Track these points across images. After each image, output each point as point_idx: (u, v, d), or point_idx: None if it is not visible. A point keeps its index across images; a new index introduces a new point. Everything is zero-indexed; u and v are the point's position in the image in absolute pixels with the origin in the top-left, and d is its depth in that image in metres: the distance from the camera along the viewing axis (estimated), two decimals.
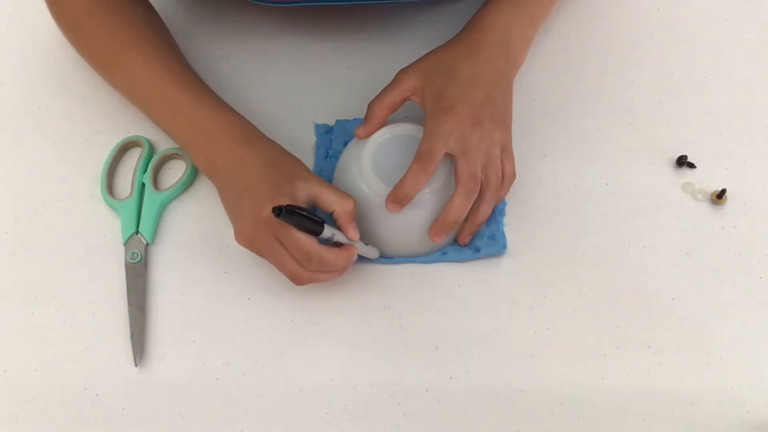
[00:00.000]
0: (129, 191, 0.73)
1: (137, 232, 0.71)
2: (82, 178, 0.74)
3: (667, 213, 0.72)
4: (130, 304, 0.68)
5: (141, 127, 0.76)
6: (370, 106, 0.69)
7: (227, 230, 0.71)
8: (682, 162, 0.74)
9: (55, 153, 0.76)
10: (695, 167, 0.74)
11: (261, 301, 0.68)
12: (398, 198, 0.65)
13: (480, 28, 0.72)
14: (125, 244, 0.70)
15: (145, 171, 0.74)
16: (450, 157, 0.66)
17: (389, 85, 0.70)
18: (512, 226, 0.71)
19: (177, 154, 0.75)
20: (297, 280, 0.65)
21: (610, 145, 0.75)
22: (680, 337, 0.67)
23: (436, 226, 0.67)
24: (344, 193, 0.65)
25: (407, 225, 0.68)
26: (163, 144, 0.76)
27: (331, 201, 0.65)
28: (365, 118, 0.69)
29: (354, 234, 0.65)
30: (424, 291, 0.69)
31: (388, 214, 0.66)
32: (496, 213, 0.71)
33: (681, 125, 0.76)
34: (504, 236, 0.70)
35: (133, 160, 0.75)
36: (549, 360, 0.66)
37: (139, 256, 0.70)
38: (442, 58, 0.70)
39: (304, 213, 0.62)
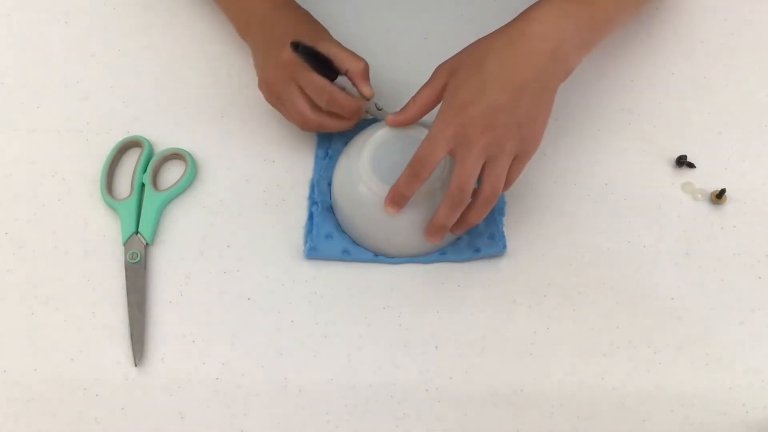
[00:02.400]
0: (129, 191, 0.73)
1: (137, 232, 0.71)
2: (81, 178, 0.74)
3: (666, 213, 0.72)
4: (129, 304, 0.68)
5: (141, 127, 0.76)
6: (411, 100, 0.66)
7: (227, 230, 0.71)
8: (682, 162, 0.74)
9: (55, 153, 0.76)
10: (695, 167, 0.74)
11: (261, 301, 0.68)
12: (394, 200, 0.64)
13: (525, 19, 0.64)
14: (125, 244, 0.70)
15: (144, 171, 0.74)
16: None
17: (427, 81, 0.65)
18: (512, 226, 0.71)
19: (177, 154, 0.75)
20: (305, 122, 0.70)
21: (610, 145, 0.75)
22: (680, 337, 0.67)
23: (427, 229, 0.66)
24: (357, 55, 0.69)
25: (407, 225, 0.68)
26: (163, 144, 0.76)
27: (344, 60, 0.68)
28: (402, 108, 0.66)
29: (367, 89, 0.69)
30: (424, 291, 0.69)
31: (388, 215, 0.66)
32: (496, 213, 0.71)
33: (681, 125, 0.76)
34: (504, 236, 0.70)
35: (132, 160, 0.75)
36: (549, 360, 0.66)
37: (139, 256, 0.70)
38: (476, 49, 0.63)
39: (321, 55, 0.67)
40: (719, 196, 0.72)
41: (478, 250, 0.69)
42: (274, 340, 0.67)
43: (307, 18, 0.74)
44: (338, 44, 0.70)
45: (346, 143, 0.74)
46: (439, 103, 0.64)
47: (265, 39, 0.72)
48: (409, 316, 0.68)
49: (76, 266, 0.70)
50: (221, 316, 0.68)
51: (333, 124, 0.70)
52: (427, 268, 0.70)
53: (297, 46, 0.66)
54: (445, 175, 0.67)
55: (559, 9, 0.64)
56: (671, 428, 0.64)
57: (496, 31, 0.65)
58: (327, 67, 0.68)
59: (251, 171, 0.74)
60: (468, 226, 0.66)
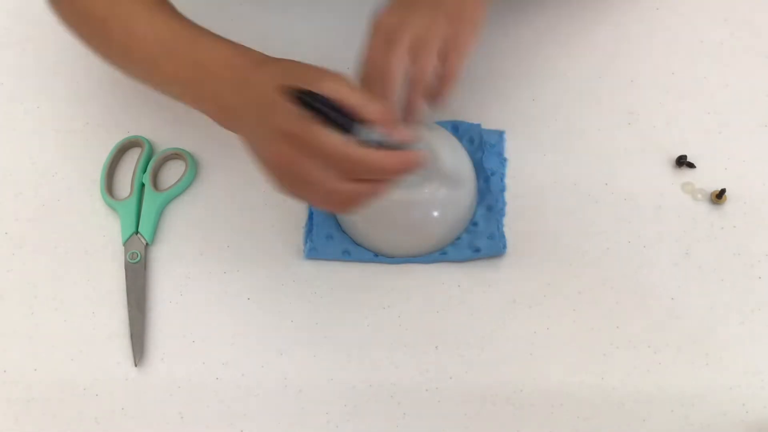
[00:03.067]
0: (129, 191, 0.73)
1: (137, 232, 0.71)
2: (81, 178, 0.74)
3: (666, 213, 0.72)
4: (129, 304, 0.68)
5: (141, 127, 0.76)
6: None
7: (227, 230, 0.71)
8: (682, 162, 0.74)
9: (55, 153, 0.76)
10: (695, 167, 0.74)
11: (261, 301, 0.68)
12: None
13: None
14: (125, 244, 0.70)
15: (144, 171, 0.74)
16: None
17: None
18: (512, 226, 0.71)
19: (177, 154, 0.75)
20: (338, 200, 0.53)
21: (610, 145, 0.75)
22: (680, 337, 0.67)
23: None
24: (370, 95, 0.55)
25: (407, 225, 0.68)
26: (163, 144, 0.76)
27: (358, 107, 0.52)
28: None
29: (403, 134, 0.53)
30: (424, 291, 0.69)
31: (387, 215, 0.66)
32: (496, 213, 0.71)
33: (681, 125, 0.76)
34: (504, 236, 0.70)
35: (132, 160, 0.75)
36: (549, 360, 0.66)
37: (139, 256, 0.70)
38: None
39: (326, 101, 0.49)
40: (719, 196, 0.72)
41: (478, 250, 0.69)
42: (274, 340, 0.67)
43: (295, 63, 0.58)
44: (345, 81, 0.53)
45: None
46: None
47: (253, 108, 0.55)
48: (409, 316, 0.68)
49: (76, 266, 0.70)
50: (221, 316, 0.68)
51: (373, 190, 0.54)
52: (427, 268, 0.70)
53: (296, 94, 0.49)
54: (443, 175, 0.67)
55: None
56: (671, 428, 0.64)
57: None
58: (340, 114, 0.51)
59: (251, 171, 0.74)
60: (419, 86, 0.61)
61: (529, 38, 0.81)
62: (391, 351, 0.66)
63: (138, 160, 0.74)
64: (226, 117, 0.59)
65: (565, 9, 0.83)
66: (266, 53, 0.83)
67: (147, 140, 0.75)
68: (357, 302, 0.68)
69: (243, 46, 0.61)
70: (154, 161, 0.74)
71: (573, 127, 0.76)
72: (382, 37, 0.60)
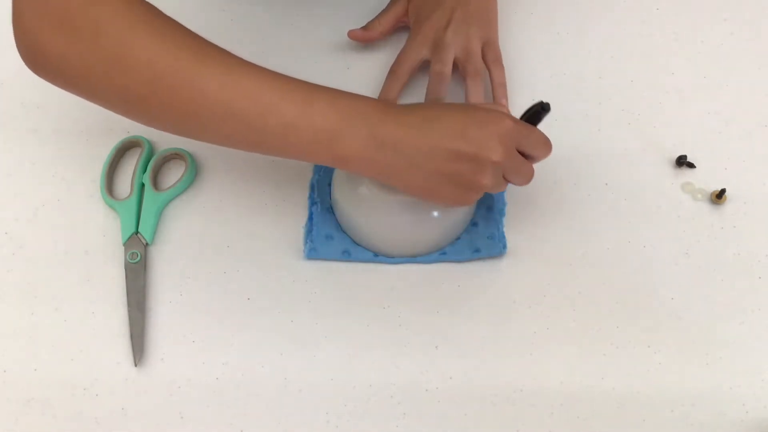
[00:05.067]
0: (129, 191, 0.73)
1: (137, 232, 0.71)
2: (81, 178, 0.74)
3: (666, 213, 0.72)
4: (129, 304, 0.68)
5: (141, 127, 0.76)
6: (369, 23, 0.79)
7: (227, 230, 0.71)
8: (682, 162, 0.74)
9: (55, 153, 0.76)
10: (695, 167, 0.74)
11: (261, 301, 0.68)
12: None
13: None
14: (125, 244, 0.70)
15: (144, 171, 0.74)
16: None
17: (387, 7, 0.79)
18: (512, 226, 0.71)
19: (177, 154, 0.75)
20: (533, 176, 0.64)
21: (610, 145, 0.75)
22: (680, 337, 0.67)
23: None
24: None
25: (407, 225, 0.68)
26: (163, 144, 0.76)
27: (503, 107, 0.71)
28: (368, 25, 0.79)
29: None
30: (424, 291, 0.69)
31: (387, 215, 0.66)
32: (496, 213, 0.71)
33: (681, 125, 0.76)
34: (504, 236, 0.70)
35: (132, 160, 0.75)
36: (549, 360, 0.66)
37: (139, 256, 0.70)
38: None
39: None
40: (719, 196, 0.72)
41: (478, 250, 0.69)
42: (274, 340, 0.67)
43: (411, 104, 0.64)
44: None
45: None
46: (398, 25, 0.79)
47: (435, 137, 0.58)
48: (409, 316, 0.68)
49: (76, 266, 0.70)
50: (221, 316, 0.68)
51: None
52: (427, 268, 0.70)
53: (546, 106, 0.62)
54: None
55: None
56: (671, 428, 0.64)
57: None
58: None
59: (251, 171, 0.74)
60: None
61: (529, 38, 0.82)
62: (391, 351, 0.66)
63: (138, 160, 0.74)
64: (379, 149, 0.58)
65: (564, 8, 0.83)
66: (266, 54, 0.83)
67: (147, 140, 0.75)
68: (357, 302, 0.68)
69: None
70: (154, 161, 0.74)
71: (573, 128, 0.76)
72: (422, 44, 0.76)
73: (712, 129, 0.76)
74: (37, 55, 0.59)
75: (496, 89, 0.76)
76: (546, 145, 0.63)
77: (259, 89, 0.57)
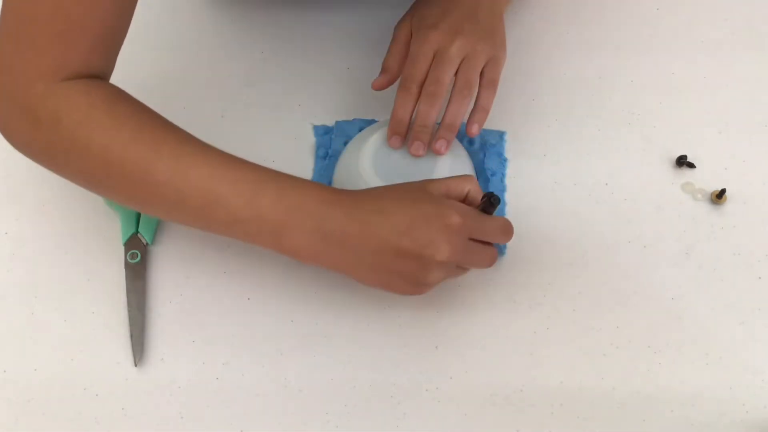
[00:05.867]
0: None
1: (137, 232, 0.71)
2: None
3: (667, 213, 0.72)
4: (129, 304, 0.68)
5: None
6: (384, 62, 0.72)
7: None
8: (682, 162, 0.74)
9: None
10: (695, 167, 0.74)
11: (261, 301, 0.68)
12: (395, 129, 0.68)
13: None
14: (125, 244, 0.70)
15: None
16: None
17: (392, 39, 0.72)
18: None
19: None
20: (495, 260, 0.63)
21: (610, 145, 0.75)
22: (680, 337, 0.67)
23: (412, 131, 0.68)
24: (460, 176, 0.63)
25: None
26: None
27: (462, 185, 0.61)
28: (382, 70, 0.72)
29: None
30: None
31: None
32: (496, 213, 0.71)
33: (681, 125, 0.76)
34: None
35: None
36: (549, 360, 0.66)
37: (139, 256, 0.70)
38: None
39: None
40: (719, 196, 0.72)
41: None
42: (274, 340, 0.67)
43: (370, 189, 0.63)
44: (436, 178, 0.63)
45: (345, 143, 0.74)
46: (407, 36, 0.71)
47: (385, 232, 0.58)
48: (409, 316, 0.68)
49: (77, 266, 0.70)
50: (221, 316, 0.68)
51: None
52: None
53: (494, 198, 0.60)
54: (446, 169, 0.67)
55: None
56: (671, 428, 0.64)
57: None
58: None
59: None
60: (450, 131, 0.68)
61: (529, 38, 0.81)
62: (391, 351, 0.66)
63: None
64: (326, 243, 0.59)
65: (564, 9, 0.83)
66: (267, 54, 0.83)
67: None
68: (357, 302, 0.68)
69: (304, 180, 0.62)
70: None
71: (573, 127, 0.76)
72: (429, 53, 0.68)
73: (712, 129, 0.76)
74: (7, 136, 0.64)
75: (476, 112, 0.69)
76: (504, 232, 0.62)
77: (207, 181, 0.59)
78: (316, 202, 0.59)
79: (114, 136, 0.59)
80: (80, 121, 0.59)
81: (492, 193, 0.61)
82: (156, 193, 0.60)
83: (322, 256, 0.60)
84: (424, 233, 0.57)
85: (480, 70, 0.69)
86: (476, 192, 0.62)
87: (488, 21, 0.71)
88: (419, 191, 0.60)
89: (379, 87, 0.72)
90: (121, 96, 0.63)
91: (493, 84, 0.70)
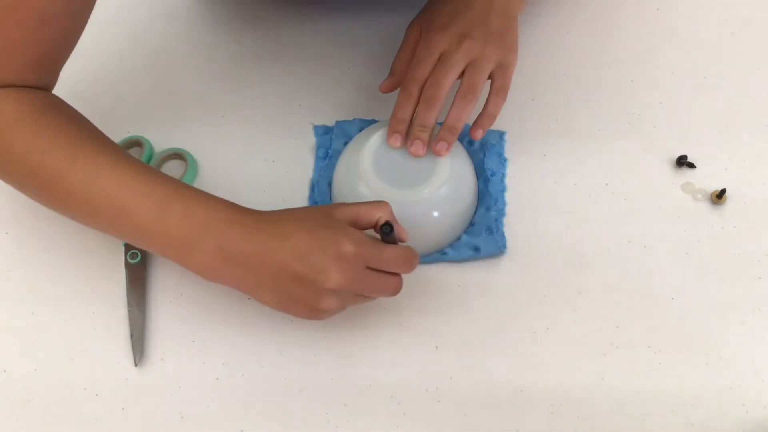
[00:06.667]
0: None
1: None
2: None
3: (667, 213, 0.72)
4: (129, 304, 0.68)
5: (141, 127, 0.76)
6: (392, 64, 0.72)
7: None
8: (682, 162, 0.74)
9: None
10: (695, 167, 0.74)
11: None
12: (395, 128, 0.67)
13: None
14: (125, 244, 0.70)
15: None
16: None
17: (402, 41, 0.72)
18: (512, 226, 0.71)
19: (177, 153, 0.75)
20: (399, 289, 0.62)
21: (610, 145, 0.75)
22: (680, 337, 0.67)
23: (411, 131, 0.68)
24: (372, 202, 0.63)
25: (407, 225, 0.67)
26: (163, 144, 0.76)
27: (372, 211, 0.61)
28: (390, 72, 0.72)
29: (405, 234, 0.63)
30: (424, 291, 0.69)
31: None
32: (496, 213, 0.71)
33: (681, 125, 0.76)
34: (504, 236, 0.70)
35: None
36: (549, 360, 0.66)
37: (139, 256, 0.70)
38: None
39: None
40: (719, 196, 0.72)
41: (477, 250, 0.69)
42: (274, 340, 0.67)
43: (280, 210, 0.62)
44: (346, 203, 0.62)
45: (345, 143, 0.74)
46: (416, 41, 0.71)
47: (282, 257, 0.58)
48: (409, 316, 0.68)
49: (77, 266, 0.70)
50: (221, 316, 0.68)
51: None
52: (427, 268, 0.70)
53: (390, 228, 0.59)
54: (445, 175, 0.67)
55: None
56: (671, 428, 0.64)
57: None
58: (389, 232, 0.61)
59: (251, 171, 0.74)
60: (451, 129, 0.68)
61: (528, 38, 0.81)
62: (391, 351, 0.66)
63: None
64: (226, 267, 0.59)
65: (564, 9, 0.83)
66: (267, 54, 0.83)
67: (147, 140, 0.75)
68: None
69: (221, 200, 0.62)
70: (155, 161, 0.74)
71: (573, 127, 0.76)
72: (435, 55, 0.68)
73: (712, 129, 0.76)
74: None
75: (483, 118, 0.69)
76: (405, 262, 0.61)
77: (118, 193, 0.60)
78: (221, 222, 0.59)
79: (33, 143, 0.61)
80: (3, 128, 0.62)
81: (387, 222, 0.60)
82: (70, 200, 0.62)
83: (225, 275, 0.60)
84: (319, 260, 0.57)
85: (486, 75, 0.68)
86: (388, 218, 0.61)
87: (499, 24, 0.69)
88: (323, 216, 0.60)
89: (386, 90, 0.72)
90: (52, 105, 0.65)
91: (504, 91, 0.69)
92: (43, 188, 0.63)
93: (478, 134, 0.69)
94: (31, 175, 0.62)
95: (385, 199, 0.65)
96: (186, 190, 0.61)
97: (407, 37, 0.71)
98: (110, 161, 0.61)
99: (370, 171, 0.67)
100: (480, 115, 0.69)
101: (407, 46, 0.71)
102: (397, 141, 0.68)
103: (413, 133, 0.67)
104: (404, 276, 0.69)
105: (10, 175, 0.65)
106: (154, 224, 0.59)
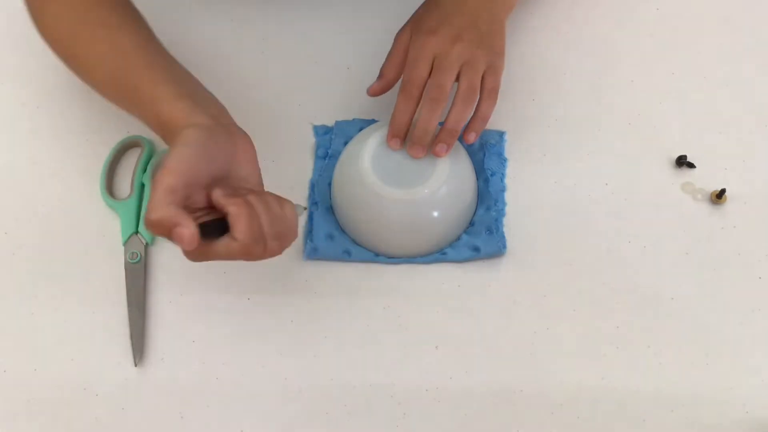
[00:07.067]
0: (129, 191, 0.73)
1: (137, 232, 0.71)
2: (81, 178, 0.74)
3: (667, 213, 0.72)
4: (129, 304, 0.68)
5: (141, 127, 0.76)
6: (382, 68, 0.72)
7: None
8: (682, 162, 0.74)
9: (55, 153, 0.76)
10: (695, 167, 0.74)
11: (261, 301, 0.68)
12: (395, 131, 0.67)
13: None
14: (125, 244, 0.70)
15: (144, 171, 0.74)
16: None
17: (392, 45, 0.72)
18: (512, 226, 0.71)
19: None
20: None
21: (610, 145, 0.75)
22: (680, 337, 0.67)
23: (411, 136, 0.68)
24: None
25: (407, 225, 0.68)
26: (163, 144, 0.76)
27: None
28: (379, 76, 0.72)
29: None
30: (424, 291, 0.69)
31: (387, 215, 0.66)
32: (496, 213, 0.71)
33: (681, 125, 0.76)
34: (503, 236, 0.70)
35: (132, 160, 0.75)
36: (549, 360, 0.66)
37: (139, 256, 0.70)
38: (427, 1, 0.72)
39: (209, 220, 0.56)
40: (719, 196, 0.72)
41: (477, 250, 0.69)
42: (274, 340, 0.67)
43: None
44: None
45: (345, 143, 0.74)
46: (405, 47, 0.70)
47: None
48: (409, 316, 0.68)
49: (77, 266, 0.70)
50: (221, 316, 0.68)
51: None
52: (427, 268, 0.70)
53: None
54: (445, 175, 0.67)
55: None
56: (671, 428, 0.64)
57: None
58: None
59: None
60: (451, 135, 0.68)
61: (528, 38, 0.81)
62: (391, 351, 0.66)
63: (138, 160, 0.74)
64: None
65: (564, 9, 0.83)
66: (266, 54, 0.83)
67: (147, 140, 0.75)
68: (357, 302, 0.68)
69: (195, 104, 0.62)
70: (154, 161, 0.74)
71: (573, 128, 0.76)
72: (429, 58, 0.68)
73: (712, 129, 0.76)
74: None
75: (476, 120, 0.69)
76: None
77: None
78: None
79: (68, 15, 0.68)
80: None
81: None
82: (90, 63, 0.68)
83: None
84: None
85: (480, 76, 0.69)
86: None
87: (488, 28, 0.70)
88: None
89: (374, 93, 0.71)
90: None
91: (494, 93, 0.70)
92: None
93: (471, 137, 0.69)
94: (67, 41, 0.69)
95: (386, 199, 0.65)
96: (185, 92, 0.63)
97: (397, 41, 0.71)
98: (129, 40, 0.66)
99: (370, 171, 0.67)
100: (473, 118, 0.69)
101: (397, 50, 0.71)
102: (397, 144, 0.68)
103: (414, 137, 0.67)
104: (404, 276, 0.70)
105: (52, 43, 0.70)
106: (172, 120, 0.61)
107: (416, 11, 0.73)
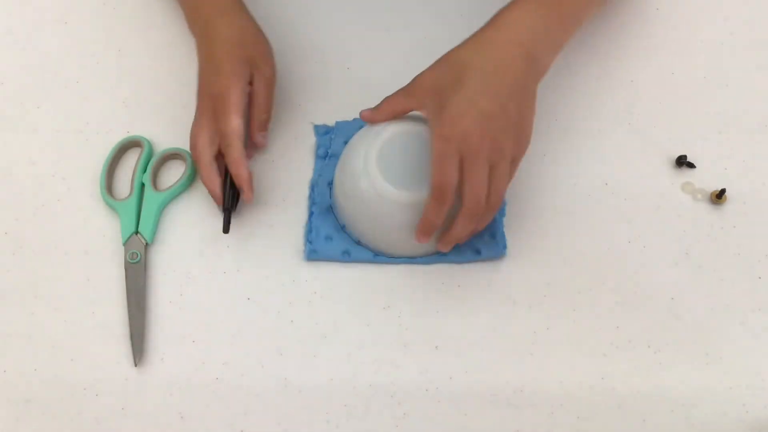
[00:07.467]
0: (129, 191, 0.73)
1: (137, 232, 0.71)
2: (81, 178, 0.74)
3: (666, 213, 0.72)
4: (129, 304, 0.68)
5: (141, 127, 0.76)
6: (385, 101, 0.67)
7: None
8: (682, 162, 0.74)
9: (55, 153, 0.76)
10: (695, 167, 0.74)
11: (261, 301, 0.68)
12: (426, 230, 0.63)
13: (495, 25, 0.65)
14: (125, 244, 0.70)
15: (144, 171, 0.74)
16: None
17: (405, 88, 0.66)
18: (512, 226, 0.71)
19: (177, 154, 0.75)
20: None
21: (610, 145, 0.75)
22: (680, 337, 0.67)
23: (441, 239, 0.66)
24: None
25: (407, 225, 0.67)
26: (163, 144, 0.76)
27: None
28: (377, 106, 0.67)
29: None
30: (424, 291, 0.69)
31: (387, 215, 0.66)
32: (498, 214, 0.71)
33: (681, 125, 0.76)
34: (504, 237, 0.70)
35: (132, 160, 0.75)
36: (549, 360, 0.66)
37: (139, 256, 0.70)
38: (453, 64, 0.63)
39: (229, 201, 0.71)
40: (719, 196, 0.72)
41: (478, 252, 0.69)
42: (274, 340, 0.67)
43: (250, 30, 0.75)
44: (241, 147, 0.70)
45: (345, 143, 0.73)
46: (410, 111, 0.66)
47: (208, 47, 0.73)
48: (409, 316, 0.68)
49: (76, 266, 0.70)
50: (221, 316, 0.68)
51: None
52: (427, 269, 0.70)
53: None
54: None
55: (529, 11, 0.65)
56: (671, 428, 0.64)
57: (468, 40, 0.65)
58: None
59: (251, 171, 0.74)
60: (456, 241, 0.65)
61: None
62: (391, 351, 0.66)
63: (138, 160, 0.74)
64: (193, 27, 0.77)
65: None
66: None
67: (147, 140, 0.75)
68: (357, 302, 0.68)
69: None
70: (154, 161, 0.74)
71: (573, 127, 0.76)
72: (456, 156, 0.60)
73: (712, 129, 0.76)
74: None
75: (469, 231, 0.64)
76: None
77: None
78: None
79: None
80: None
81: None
82: None
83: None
84: None
85: (507, 178, 0.63)
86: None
87: (518, 110, 0.62)
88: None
89: (366, 120, 0.68)
90: None
91: (497, 206, 0.64)
92: None
93: (447, 248, 0.66)
94: None
95: (388, 199, 0.65)
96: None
97: (412, 93, 0.65)
98: None
99: (373, 171, 0.67)
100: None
101: (406, 101, 0.66)
102: (426, 240, 0.64)
103: (445, 239, 0.65)
104: (404, 276, 0.70)
105: None
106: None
107: (439, 71, 0.64)
